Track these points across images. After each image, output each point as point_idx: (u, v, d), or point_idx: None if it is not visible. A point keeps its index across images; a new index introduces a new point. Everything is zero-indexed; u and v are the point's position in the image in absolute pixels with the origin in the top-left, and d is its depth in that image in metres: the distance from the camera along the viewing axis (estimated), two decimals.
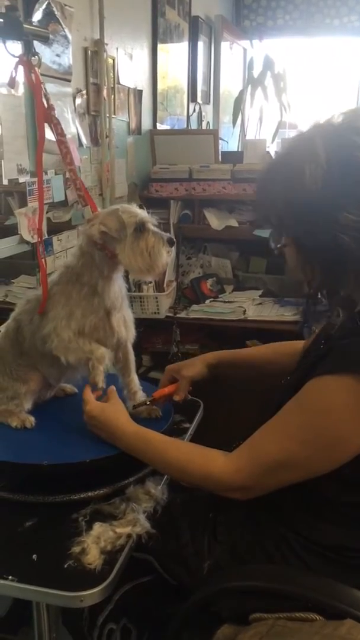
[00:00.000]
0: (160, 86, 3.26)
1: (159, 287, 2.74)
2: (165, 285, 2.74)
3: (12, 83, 1.21)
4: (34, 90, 1.18)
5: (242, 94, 3.55)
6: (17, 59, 1.18)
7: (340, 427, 0.94)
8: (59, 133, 1.26)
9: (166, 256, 1.24)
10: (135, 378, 1.42)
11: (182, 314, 2.80)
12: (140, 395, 1.40)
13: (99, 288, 1.27)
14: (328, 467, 0.97)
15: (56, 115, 1.91)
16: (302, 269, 0.99)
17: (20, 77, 1.77)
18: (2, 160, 1.72)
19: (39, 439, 1.29)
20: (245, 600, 1.00)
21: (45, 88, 1.24)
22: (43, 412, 1.38)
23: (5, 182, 1.75)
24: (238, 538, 1.10)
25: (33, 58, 1.22)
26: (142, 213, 1.25)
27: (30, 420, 1.32)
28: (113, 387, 1.30)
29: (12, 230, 1.87)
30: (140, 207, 1.28)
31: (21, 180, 1.83)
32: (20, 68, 1.32)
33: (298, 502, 1.05)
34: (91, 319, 1.27)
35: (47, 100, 1.23)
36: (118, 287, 1.31)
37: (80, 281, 1.27)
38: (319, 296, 1.04)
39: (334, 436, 0.95)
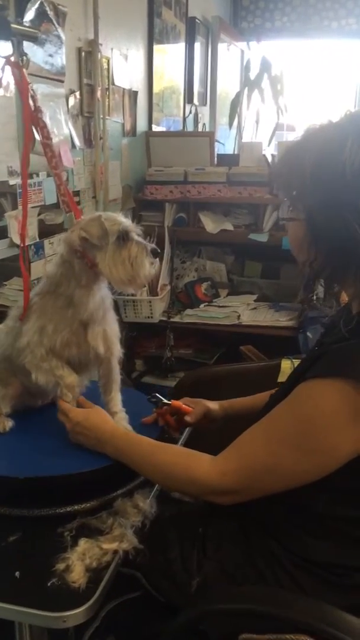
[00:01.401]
0: (156, 87, 3.23)
1: (153, 291, 2.71)
2: (159, 289, 2.71)
3: None
4: (21, 92, 1.15)
5: (238, 95, 3.52)
6: (4, 60, 1.14)
7: (329, 432, 0.91)
8: (45, 136, 1.23)
9: (149, 267, 1.17)
10: (117, 397, 1.33)
11: (176, 318, 2.78)
12: (122, 418, 1.30)
13: (75, 299, 1.20)
14: (317, 474, 0.94)
15: (45, 118, 1.90)
16: (306, 248, 0.96)
17: (10, 77, 1.75)
18: None
19: (25, 449, 1.25)
20: (234, 620, 0.96)
21: (32, 89, 1.20)
22: (34, 420, 1.34)
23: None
24: (228, 554, 1.07)
25: (21, 58, 1.18)
26: (126, 222, 1.20)
27: (5, 424, 1.29)
28: (82, 397, 1.27)
29: (3, 233, 1.83)
30: (125, 215, 1.24)
31: (11, 182, 1.79)
32: (8, 69, 1.29)
33: (288, 517, 1.02)
34: (63, 334, 1.21)
35: (35, 102, 1.19)
36: (99, 298, 1.24)
37: (57, 292, 1.22)
38: (317, 282, 1.01)
39: (323, 442, 0.92)
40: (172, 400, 1.33)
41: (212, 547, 1.09)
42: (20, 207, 1.88)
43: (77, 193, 2.28)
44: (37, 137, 1.89)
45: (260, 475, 0.97)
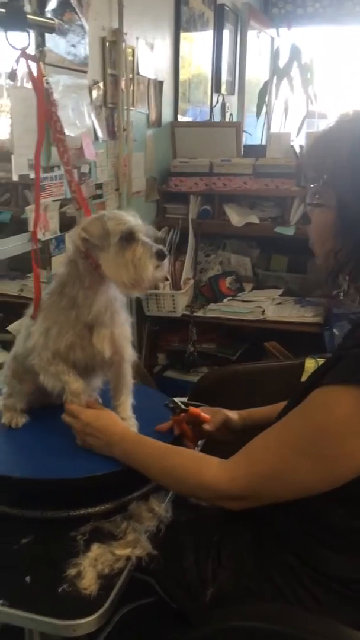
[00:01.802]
0: (182, 77, 3.18)
1: (176, 285, 2.68)
2: (182, 283, 2.68)
3: (13, 76, 1.14)
4: (35, 86, 1.11)
5: (267, 84, 3.43)
6: (20, 52, 1.11)
7: (343, 440, 0.87)
8: (58, 131, 1.19)
9: (153, 270, 1.10)
10: (127, 403, 1.27)
11: (199, 313, 2.74)
12: (132, 425, 1.25)
13: (79, 300, 1.16)
14: (329, 483, 0.91)
15: (66, 110, 1.87)
16: (332, 238, 0.92)
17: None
18: (12, 155, 1.67)
19: (39, 449, 1.24)
20: (249, 636, 0.93)
21: (48, 82, 1.17)
22: (49, 418, 1.32)
23: (15, 177, 1.69)
24: (243, 565, 1.04)
25: (39, 50, 1.15)
26: (133, 221, 1.14)
27: (18, 421, 1.28)
28: (97, 397, 1.24)
29: (27, 224, 1.81)
30: (134, 214, 1.18)
31: (32, 175, 1.77)
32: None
33: (305, 529, 0.98)
34: (67, 337, 1.17)
35: (49, 95, 1.16)
36: (106, 299, 1.18)
37: (63, 292, 1.18)
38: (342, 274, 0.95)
39: (337, 450, 0.88)
40: (191, 407, 1.27)
41: (227, 557, 1.06)
42: (41, 201, 1.86)
43: (99, 186, 2.26)
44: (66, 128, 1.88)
45: (270, 482, 0.94)
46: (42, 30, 1.19)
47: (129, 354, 1.27)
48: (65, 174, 1.28)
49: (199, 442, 1.32)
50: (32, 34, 1.23)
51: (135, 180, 2.58)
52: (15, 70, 1.12)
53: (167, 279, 2.59)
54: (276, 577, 1.00)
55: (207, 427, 1.26)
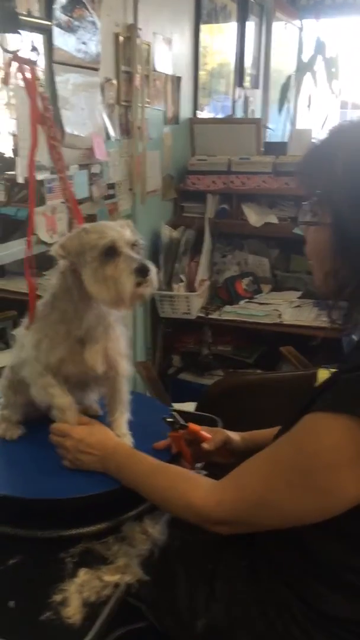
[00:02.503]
0: (203, 70, 3.10)
1: (191, 286, 2.62)
2: (196, 284, 2.62)
3: (7, 80, 1.10)
4: (28, 90, 1.07)
5: (289, 79, 3.33)
6: (12, 55, 1.07)
7: (331, 471, 0.81)
8: (52, 137, 1.15)
9: (132, 288, 1.03)
10: (121, 420, 1.22)
11: (215, 315, 2.68)
12: (127, 442, 1.19)
13: (69, 314, 1.11)
14: (317, 515, 0.85)
15: (76, 110, 1.83)
16: (330, 257, 0.85)
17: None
18: (17, 157, 1.63)
19: (33, 465, 1.20)
20: None
21: (44, 86, 1.12)
22: (44, 432, 1.29)
23: (21, 179, 1.65)
24: (236, 597, 0.98)
25: (32, 53, 1.10)
26: (118, 234, 1.07)
27: (13, 433, 1.26)
28: (97, 408, 1.21)
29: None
30: (128, 224, 1.11)
31: (39, 177, 1.73)
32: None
33: (301, 562, 0.93)
34: (58, 351, 1.13)
35: (43, 100, 1.11)
36: (98, 314, 1.13)
37: (54, 304, 1.14)
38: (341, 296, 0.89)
39: (324, 481, 0.82)
40: (190, 424, 1.21)
41: (220, 588, 1.01)
42: (48, 203, 1.82)
43: (112, 186, 2.21)
44: (71, 127, 1.84)
45: (256, 509, 0.90)
46: (37, 31, 1.14)
47: (124, 369, 1.22)
48: (60, 182, 1.23)
49: (198, 465, 1.26)
50: (32, 34, 1.18)
51: (151, 179, 2.53)
52: (9, 73, 1.07)
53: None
54: (270, 611, 0.94)
55: (206, 446, 1.20)
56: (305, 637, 0.91)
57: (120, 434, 1.20)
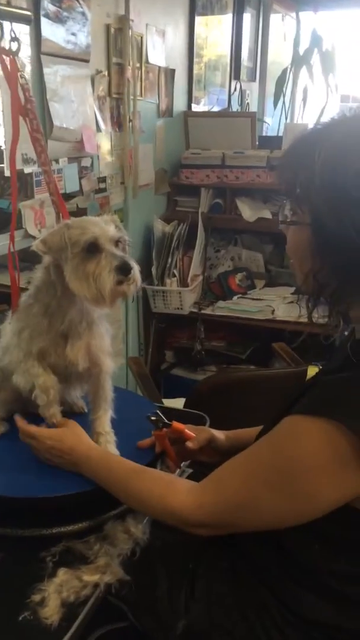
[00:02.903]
0: (198, 63, 3.07)
1: (183, 281, 2.60)
2: (189, 279, 2.60)
3: None
4: (9, 82, 1.05)
5: (285, 72, 3.30)
6: None
7: (309, 476, 0.80)
8: (34, 129, 1.13)
9: (112, 286, 1.01)
10: (104, 417, 1.20)
11: (208, 310, 2.66)
12: (109, 441, 1.18)
13: (51, 308, 1.10)
14: (296, 518, 0.85)
15: (65, 103, 1.80)
16: (310, 258, 0.83)
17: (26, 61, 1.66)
18: (4, 150, 1.61)
19: (15, 463, 1.18)
20: None
21: (25, 78, 1.10)
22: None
23: (7, 173, 1.63)
24: (217, 598, 0.97)
25: (13, 43, 1.08)
26: (100, 230, 1.05)
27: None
28: (82, 404, 1.19)
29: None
30: (114, 220, 1.10)
31: (27, 170, 1.72)
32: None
33: (282, 565, 0.92)
34: (39, 341, 1.12)
35: (25, 91, 1.09)
36: (81, 310, 1.12)
37: (37, 297, 1.13)
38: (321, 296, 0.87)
39: (302, 485, 0.81)
40: (174, 422, 1.19)
41: (201, 588, 1.00)
42: (37, 196, 1.80)
43: (103, 179, 2.19)
44: (69, 117, 1.81)
45: (236, 512, 0.89)
46: (18, 21, 1.12)
47: (108, 366, 1.20)
48: (44, 175, 1.21)
49: (182, 464, 1.24)
50: (14, 25, 1.16)
51: (143, 173, 2.50)
52: None
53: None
54: (250, 614, 0.93)
55: (190, 444, 1.18)
56: None
57: (103, 431, 1.18)
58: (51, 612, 0.93)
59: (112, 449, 1.16)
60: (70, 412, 1.34)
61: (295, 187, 0.84)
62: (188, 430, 1.20)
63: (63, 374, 1.16)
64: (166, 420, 1.19)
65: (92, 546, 1.06)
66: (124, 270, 1.02)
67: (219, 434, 1.22)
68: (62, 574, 0.99)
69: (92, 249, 1.03)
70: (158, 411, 1.21)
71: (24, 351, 1.13)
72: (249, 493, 0.86)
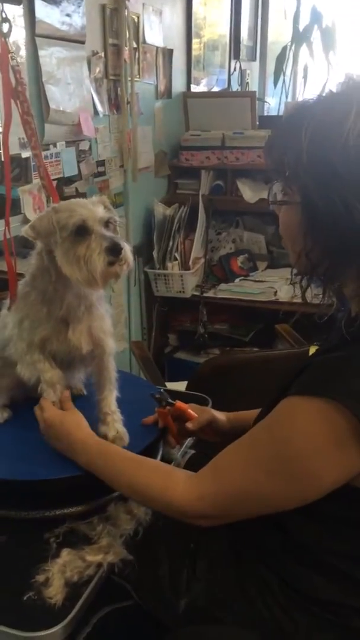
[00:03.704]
0: (197, 43, 3.03)
1: (185, 264, 2.60)
2: (191, 262, 2.59)
3: None
4: (0, 63, 1.04)
5: (285, 50, 3.25)
6: None
7: (308, 457, 0.80)
8: (25, 112, 1.11)
9: (103, 267, 1.00)
10: (110, 397, 1.20)
11: (210, 293, 2.66)
12: (116, 420, 1.18)
13: (49, 294, 1.10)
14: (297, 501, 0.85)
15: (62, 85, 1.78)
16: (302, 237, 0.83)
17: (21, 40, 1.64)
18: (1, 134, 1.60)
19: (18, 446, 1.19)
20: None
21: (16, 60, 1.09)
22: (29, 414, 1.28)
23: (2, 157, 1.62)
24: (218, 577, 0.98)
25: (3, 25, 1.06)
26: (88, 212, 1.04)
27: (2, 416, 1.25)
28: (67, 393, 1.17)
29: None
30: (105, 201, 1.08)
31: (24, 155, 1.70)
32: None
33: (283, 545, 0.92)
34: (40, 330, 1.12)
35: (16, 73, 1.08)
36: (78, 293, 1.11)
37: (33, 284, 1.13)
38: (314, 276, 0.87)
39: (302, 467, 0.81)
40: (178, 402, 1.21)
41: (202, 567, 1.01)
42: (34, 181, 1.79)
43: (102, 163, 2.17)
44: (66, 101, 1.79)
45: (237, 501, 0.88)
46: (8, 2, 1.10)
47: (110, 347, 1.21)
48: (35, 159, 1.20)
49: (187, 441, 1.25)
50: (5, 6, 1.14)
51: (143, 156, 2.49)
52: None
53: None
54: (251, 591, 0.94)
55: (189, 425, 1.19)
56: (286, 616, 0.91)
57: (109, 411, 1.19)
58: (55, 592, 0.94)
59: (120, 427, 1.17)
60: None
61: (284, 167, 0.84)
62: (191, 409, 1.22)
63: (66, 359, 1.17)
64: (170, 400, 1.21)
65: (95, 527, 1.07)
66: (114, 251, 1.01)
67: (221, 415, 1.23)
68: (66, 554, 1.00)
69: (81, 231, 1.02)
70: (162, 390, 1.25)
71: (26, 342, 1.13)
72: (248, 480, 0.86)
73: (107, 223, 1.06)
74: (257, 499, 0.86)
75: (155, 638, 1.06)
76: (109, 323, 1.20)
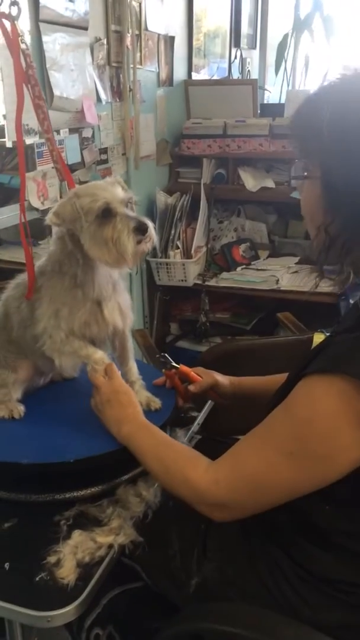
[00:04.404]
0: (198, 31, 3.01)
1: (187, 253, 2.60)
2: (193, 251, 2.59)
3: None
4: (10, 47, 1.03)
5: (286, 38, 3.24)
6: None
7: (329, 437, 0.81)
8: (36, 96, 1.11)
9: (134, 246, 1.03)
10: (133, 366, 1.27)
11: (212, 282, 2.66)
12: (142, 385, 1.27)
13: (79, 278, 1.11)
14: (316, 483, 0.85)
15: (65, 71, 1.77)
16: (322, 210, 0.86)
17: (25, 26, 1.62)
18: (5, 120, 1.60)
19: (26, 432, 1.20)
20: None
21: (26, 43, 1.08)
22: (35, 401, 1.29)
23: (9, 144, 1.62)
24: (229, 557, 1.00)
25: (13, 8, 1.06)
26: (109, 195, 1.06)
27: (19, 410, 1.23)
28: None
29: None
30: (121, 183, 1.10)
31: (28, 141, 1.70)
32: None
33: (293, 525, 0.93)
34: (80, 315, 1.14)
35: (26, 57, 1.07)
36: (106, 273, 1.14)
37: (62, 271, 1.13)
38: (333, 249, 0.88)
39: (322, 448, 0.82)
40: (181, 365, 1.28)
41: (213, 547, 1.02)
42: (39, 168, 1.79)
43: (104, 150, 2.17)
44: (67, 88, 1.79)
45: (252, 487, 0.88)
46: None
47: (131, 320, 1.25)
48: (47, 143, 1.20)
49: (191, 431, 1.28)
50: None
51: (145, 144, 2.48)
52: None
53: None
54: (262, 570, 0.95)
55: (192, 388, 1.25)
56: (296, 595, 0.92)
57: (135, 379, 1.25)
58: (67, 573, 0.95)
59: (146, 393, 1.23)
60: (60, 379, 1.37)
61: (306, 144, 0.87)
62: (194, 373, 1.28)
63: (101, 338, 1.19)
64: (173, 363, 1.29)
65: (105, 509, 1.08)
66: (141, 230, 1.04)
67: (223, 379, 1.28)
68: (77, 535, 1.01)
69: (106, 214, 1.04)
70: (166, 354, 1.31)
71: (65, 331, 1.13)
72: (266, 464, 0.86)
73: (127, 203, 1.07)
74: (274, 484, 0.86)
75: (164, 619, 1.07)
76: (129, 297, 1.24)
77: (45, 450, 1.13)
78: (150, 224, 1.06)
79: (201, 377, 1.27)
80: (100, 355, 1.17)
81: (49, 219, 1.07)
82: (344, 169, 0.81)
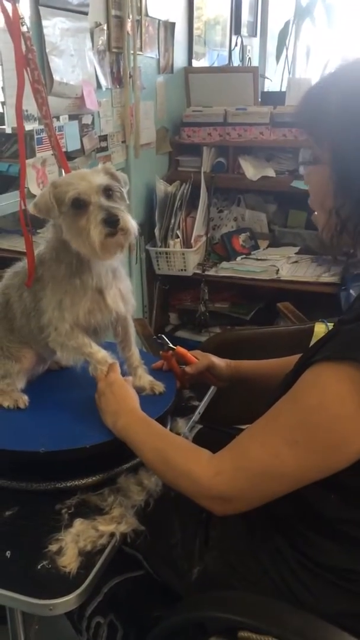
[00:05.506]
0: (198, 17, 2.98)
1: (187, 242, 2.58)
2: (192, 240, 2.58)
3: None
4: (11, 30, 1.01)
5: (287, 25, 3.21)
6: None
7: (336, 424, 0.80)
8: (36, 80, 1.09)
9: (101, 239, 1.00)
10: (135, 352, 1.27)
11: (211, 272, 2.65)
12: (144, 370, 1.26)
13: (74, 267, 1.09)
14: (323, 472, 0.84)
15: (65, 57, 1.75)
16: (332, 194, 0.86)
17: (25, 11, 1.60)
18: (5, 106, 1.58)
19: (34, 421, 1.19)
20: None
21: (27, 26, 1.06)
22: (34, 390, 1.28)
23: (8, 130, 1.60)
24: (231, 545, 0.99)
25: None
26: (87, 184, 1.02)
27: (24, 400, 1.22)
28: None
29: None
30: (108, 170, 1.08)
31: (28, 127, 1.68)
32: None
33: (297, 513, 0.93)
34: (82, 304, 1.12)
35: (27, 40, 1.05)
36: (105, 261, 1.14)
37: (59, 258, 1.12)
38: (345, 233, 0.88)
39: (329, 435, 0.81)
40: (178, 347, 1.28)
41: (215, 535, 1.02)
42: (38, 155, 1.77)
43: (104, 137, 2.15)
44: (67, 74, 1.77)
45: (257, 480, 0.87)
46: None
47: (133, 306, 1.24)
48: (45, 128, 1.18)
49: (192, 420, 1.28)
50: None
51: (145, 132, 2.46)
52: None
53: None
54: (264, 559, 0.95)
55: (188, 369, 1.26)
56: (299, 583, 0.92)
57: (138, 364, 1.25)
58: (69, 561, 0.95)
59: (149, 377, 1.24)
60: (57, 368, 1.37)
61: (314, 129, 0.87)
62: (191, 355, 1.29)
63: (104, 325, 1.18)
64: (170, 344, 1.30)
65: (107, 498, 1.07)
66: (110, 222, 1.00)
67: (220, 362, 1.28)
68: (79, 524, 1.00)
69: (79, 204, 1.01)
70: (163, 336, 1.33)
71: (69, 322, 1.12)
72: (270, 455, 0.84)
73: (108, 191, 1.04)
74: (278, 475, 0.85)
75: (165, 608, 1.07)
76: (129, 283, 1.23)
77: (59, 437, 1.12)
78: (124, 216, 1.02)
79: (198, 359, 1.28)
80: (103, 355, 1.16)
81: (30, 209, 1.06)
82: (356, 151, 0.81)
